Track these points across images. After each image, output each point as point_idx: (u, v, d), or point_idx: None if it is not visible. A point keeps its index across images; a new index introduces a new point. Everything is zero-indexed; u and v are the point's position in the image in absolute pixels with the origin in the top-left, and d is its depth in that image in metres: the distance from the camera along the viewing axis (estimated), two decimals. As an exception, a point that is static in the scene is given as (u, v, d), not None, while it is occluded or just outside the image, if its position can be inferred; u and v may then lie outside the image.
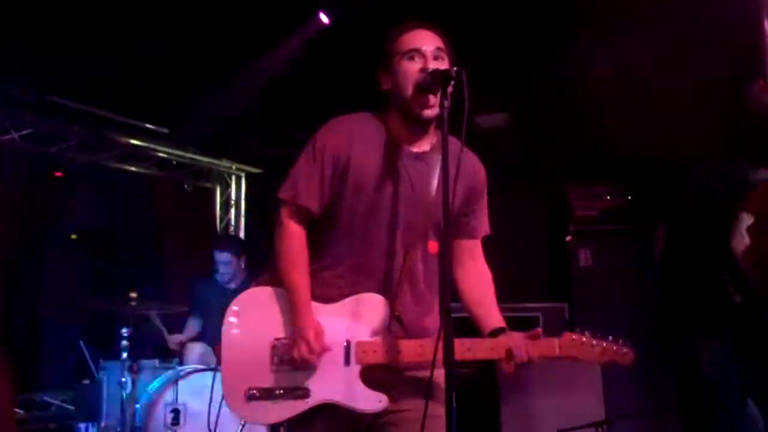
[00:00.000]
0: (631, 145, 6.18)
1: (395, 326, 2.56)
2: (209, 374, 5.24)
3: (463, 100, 2.38)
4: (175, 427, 5.05)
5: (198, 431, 5.08)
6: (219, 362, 2.73)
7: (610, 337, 2.66)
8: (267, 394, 2.55)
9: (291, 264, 2.61)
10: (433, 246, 2.58)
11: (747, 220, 3.66)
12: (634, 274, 6.05)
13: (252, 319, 2.65)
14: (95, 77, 6.31)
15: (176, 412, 5.07)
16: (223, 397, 2.63)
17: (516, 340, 2.54)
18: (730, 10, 5.19)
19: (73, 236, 7.30)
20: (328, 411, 2.54)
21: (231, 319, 2.67)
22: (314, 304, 2.59)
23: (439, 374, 2.39)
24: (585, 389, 5.66)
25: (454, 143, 2.42)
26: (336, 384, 2.53)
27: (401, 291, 2.58)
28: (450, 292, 2.33)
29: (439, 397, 2.46)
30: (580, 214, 6.64)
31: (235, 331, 2.65)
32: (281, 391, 2.54)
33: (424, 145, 2.65)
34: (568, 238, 6.64)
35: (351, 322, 2.56)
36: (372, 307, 2.56)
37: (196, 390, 5.15)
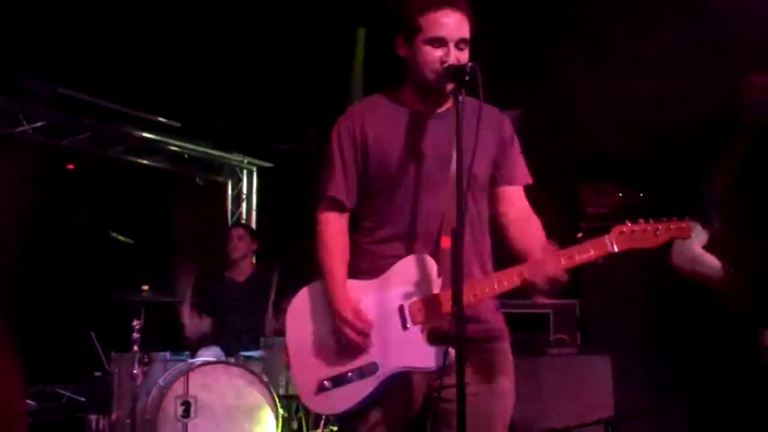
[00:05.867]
0: (644, 142, 6.16)
1: (442, 283, 2.57)
2: (220, 367, 5.26)
3: (476, 95, 2.42)
4: (185, 420, 5.05)
5: (208, 423, 5.11)
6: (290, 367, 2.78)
7: (663, 218, 2.56)
8: (339, 381, 2.59)
9: (325, 249, 2.69)
10: (446, 241, 2.58)
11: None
12: (646, 272, 6.03)
13: (309, 315, 2.70)
14: (108, 70, 6.34)
15: (187, 404, 5.08)
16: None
17: (535, 258, 2.51)
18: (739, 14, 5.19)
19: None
20: (380, 401, 2.58)
21: (290, 320, 2.74)
22: (361, 282, 2.65)
23: (504, 347, 2.64)
24: (595, 385, 5.65)
25: (471, 102, 2.45)
26: (401, 350, 2.55)
27: (444, 250, 2.58)
28: (462, 279, 2.35)
29: (507, 368, 2.63)
30: (592, 212, 6.63)
31: (297, 330, 2.71)
32: (351, 374, 2.58)
33: (443, 107, 2.69)
34: (580, 235, 6.63)
35: (400, 287, 2.59)
36: (417, 267, 2.59)
37: (207, 383, 5.16)
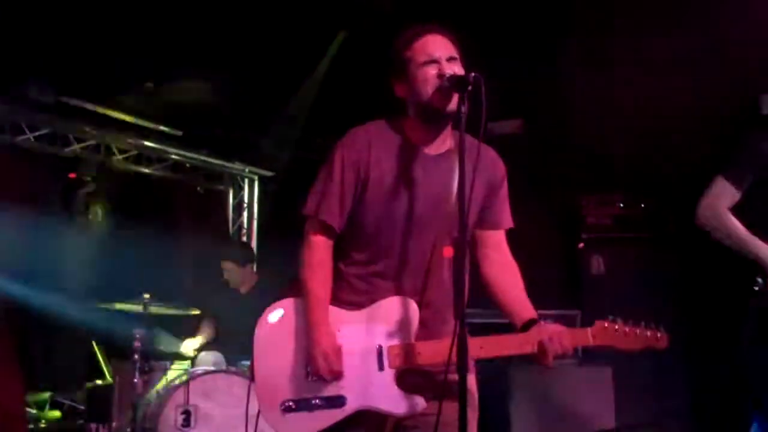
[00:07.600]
0: (644, 152, 6.17)
1: (423, 328, 2.57)
2: (221, 376, 5.25)
3: (479, 105, 2.42)
4: (185, 429, 5.04)
5: (209, 433, 5.10)
6: (252, 378, 2.70)
7: (642, 323, 2.63)
8: (303, 405, 2.55)
9: (312, 272, 2.65)
10: (448, 251, 2.59)
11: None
12: (647, 281, 6.03)
13: (282, 331, 2.65)
14: (110, 79, 6.37)
15: (187, 413, 5.07)
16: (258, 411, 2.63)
17: (548, 331, 2.53)
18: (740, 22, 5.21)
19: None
20: (354, 423, 2.56)
21: (261, 333, 2.68)
22: (343, 312, 2.62)
23: (471, 379, 2.54)
24: (596, 396, 5.64)
25: (470, 141, 2.46)
26: (372, 390, 2.53)
27: (427, 293, 2.60)
28: (465, 297, 2.34)
29: (471, 402, 2.52)
30: (593, 222, 6.63)
31: (266, 344, 2.67)
32: (317, 402, 2.55)
33: (443, 146, 2.68)
34: (581, 245, 6.63)
35: (380, 326, 2.57)
36: (400, 310, 2.57)
37: (207, 392, 5.15)
